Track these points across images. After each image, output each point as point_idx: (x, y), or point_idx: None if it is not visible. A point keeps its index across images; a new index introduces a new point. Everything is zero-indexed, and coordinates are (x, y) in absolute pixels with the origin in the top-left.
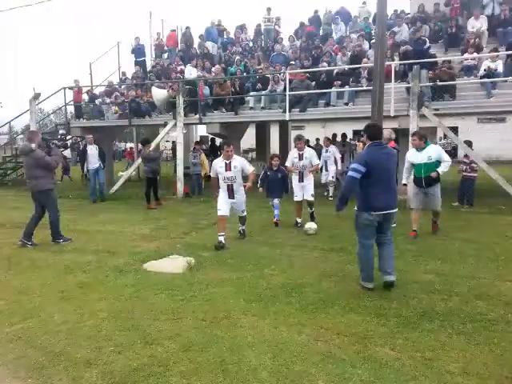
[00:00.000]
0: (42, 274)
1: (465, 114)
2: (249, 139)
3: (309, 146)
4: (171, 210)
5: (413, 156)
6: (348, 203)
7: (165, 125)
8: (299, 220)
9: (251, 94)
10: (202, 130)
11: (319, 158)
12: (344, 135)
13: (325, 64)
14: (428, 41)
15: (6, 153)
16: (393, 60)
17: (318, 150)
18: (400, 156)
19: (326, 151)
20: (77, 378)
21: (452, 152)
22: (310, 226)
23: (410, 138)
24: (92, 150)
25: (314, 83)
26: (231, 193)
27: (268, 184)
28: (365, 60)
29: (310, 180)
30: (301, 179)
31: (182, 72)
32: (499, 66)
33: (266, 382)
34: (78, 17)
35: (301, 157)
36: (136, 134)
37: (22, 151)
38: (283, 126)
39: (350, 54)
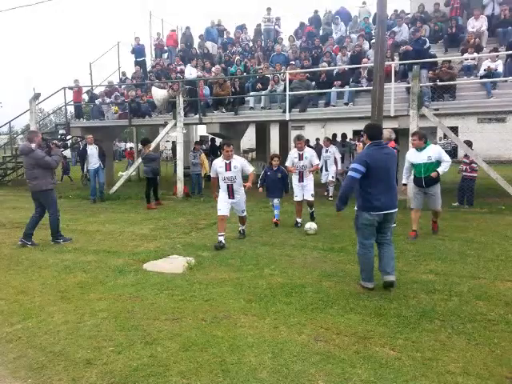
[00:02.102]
0: (42, 273)
1: (465, 113)
2: (249, 139)
3: (309, 146)
4: (171, 210)
5: (413, 156)
6: (348, 203)
7: (165, 125)
8: (299, 220)
9: (251, 93)
10: (202, 130)
11: (319, 158)
12: (344, 135)
13: (325, 64)
14: (428, 41)
15: (5, 153)
16: (393, 60)
17: (317, 150)
18: (400, 156)
19: (326, 151)
20: (77, 378)
21: (452, 152)
22: (310, 226)
23: (410, 138)
24: (92, 150)
25: (313, 83)
26: (231, 193)
27: (268, 184)
28: (365, 60)
29: (310, 180)
30: (301, 179)
31: (182, 72)
32: (499, 66)
33: (266, 382)
34: (77, 17)
35: (301, 157)
36: (136, 133)
37: (21, 151)
38: (283, 126)
39: (349, 53)
